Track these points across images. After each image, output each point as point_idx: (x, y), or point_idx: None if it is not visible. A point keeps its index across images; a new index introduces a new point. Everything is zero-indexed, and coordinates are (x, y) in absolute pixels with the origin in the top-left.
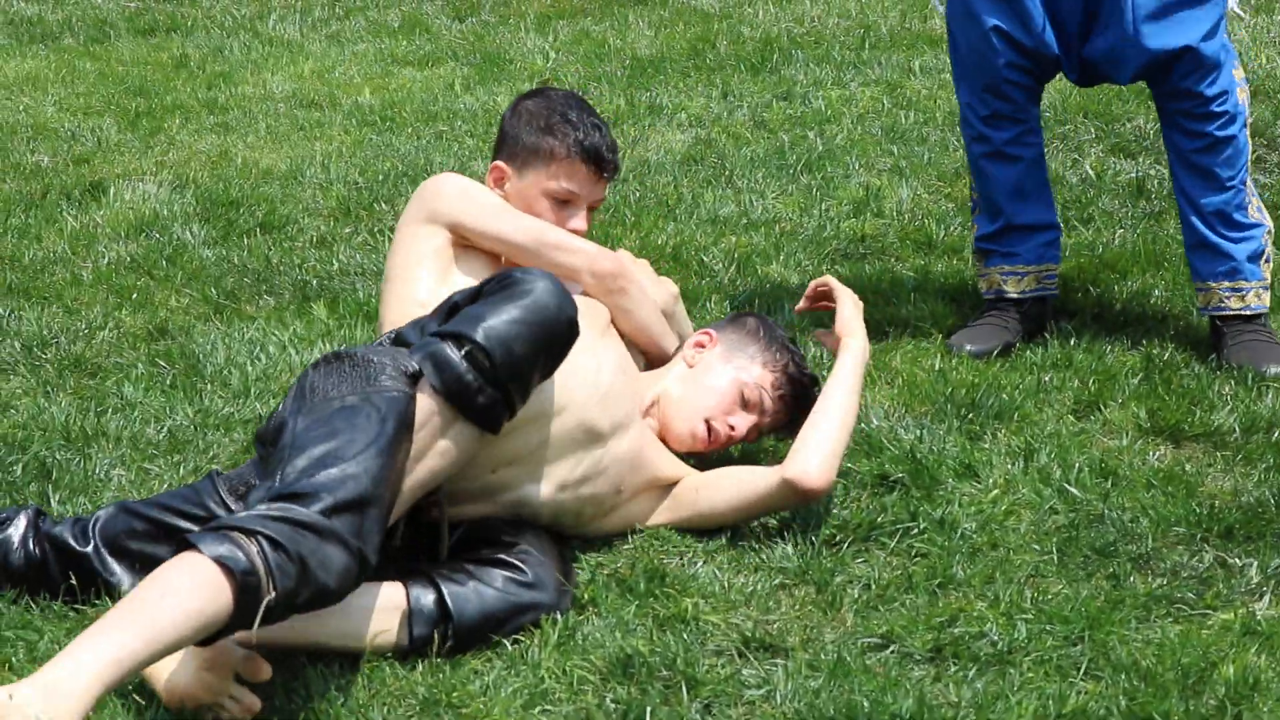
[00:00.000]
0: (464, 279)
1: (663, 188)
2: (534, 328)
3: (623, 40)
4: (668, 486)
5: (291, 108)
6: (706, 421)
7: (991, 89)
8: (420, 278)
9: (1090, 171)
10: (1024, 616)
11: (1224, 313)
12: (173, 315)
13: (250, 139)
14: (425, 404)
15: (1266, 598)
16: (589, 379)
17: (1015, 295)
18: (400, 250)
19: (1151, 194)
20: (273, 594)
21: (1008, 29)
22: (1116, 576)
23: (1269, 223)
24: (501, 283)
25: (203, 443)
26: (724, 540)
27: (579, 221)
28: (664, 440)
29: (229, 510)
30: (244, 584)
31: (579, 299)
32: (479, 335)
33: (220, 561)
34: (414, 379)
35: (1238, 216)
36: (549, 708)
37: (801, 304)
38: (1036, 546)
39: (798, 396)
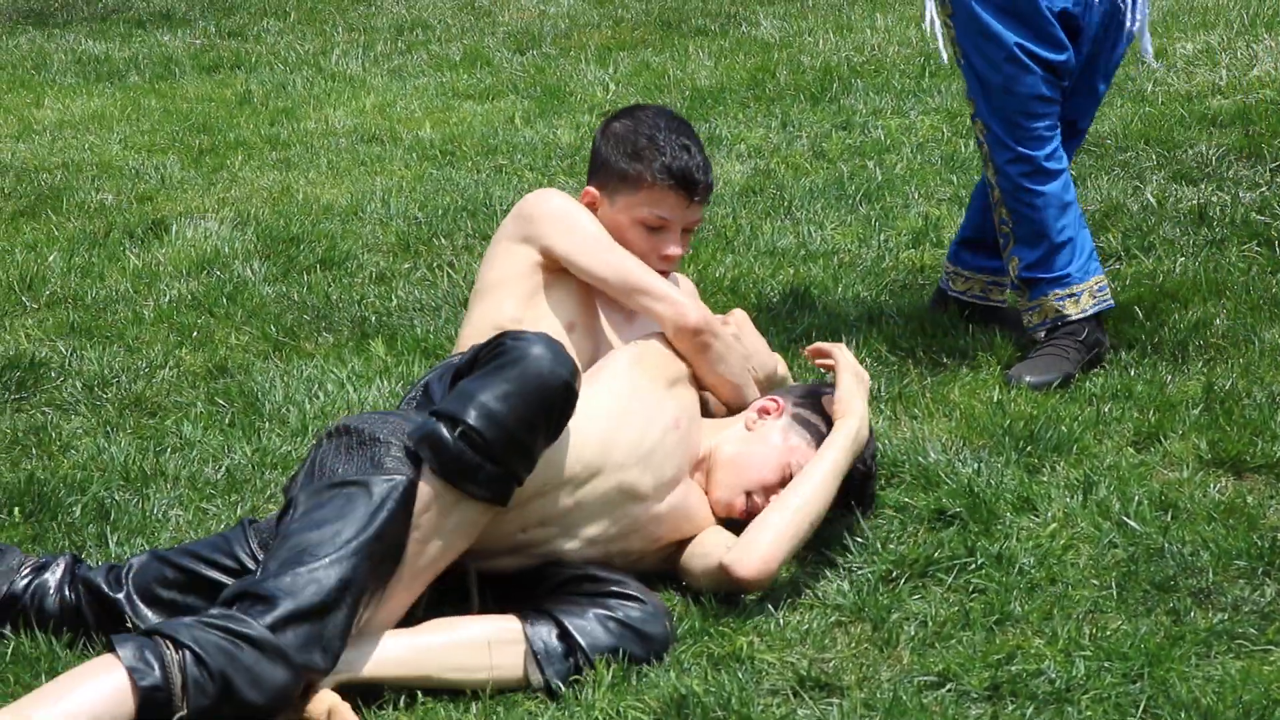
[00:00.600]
0: (550, 303)
1: (721, 219)
2: (527, 399)
3: (683, 71)
4: (691, 536)
5: (353, 143)
6: (748, 494)
7: (1025, 109)
8: (505, 298)
9: (1151, 199)
10: (1082, 653)
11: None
12: (232, 353)
13: (311, 174)
14: (428, 485)
15: None
16: (633, 439)
17: (1078, 316)
18: (492, 266)
19: (1213, 221)
20: (184, 710)
21: (1033, 46)
22: (1177, 611)
23: None
24: (494, 351)
25: (260, 482)
26: (779, 577)
27: (674, 246)
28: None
29: (257, 562)
30: (148, 699)
31: (650, 345)
32: (470, 415)
33: (131, 671)
34: (416, 457)
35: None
36: None
37: (808, 350)
38: (1095, 581)
39: (848, 491)
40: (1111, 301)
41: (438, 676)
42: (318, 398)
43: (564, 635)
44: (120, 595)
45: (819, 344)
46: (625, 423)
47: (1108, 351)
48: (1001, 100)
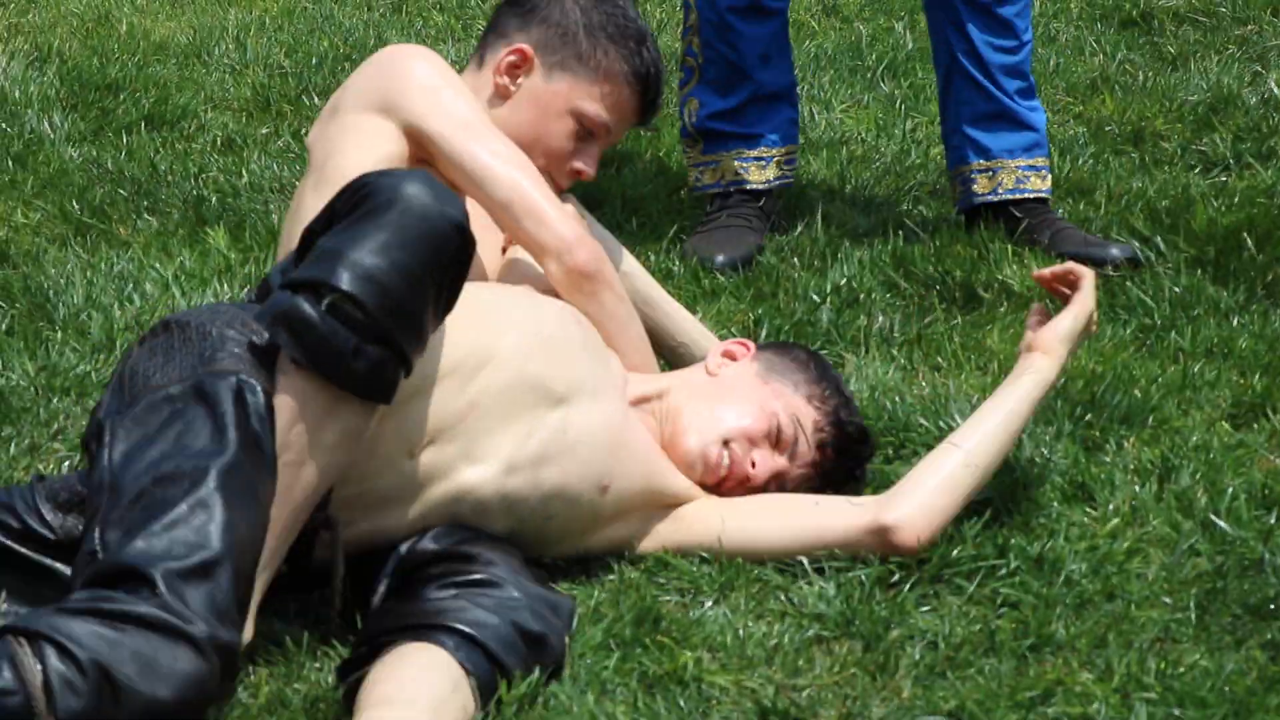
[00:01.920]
0: None
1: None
2: (412, 248)
3: None
4: (672, 507)
5: None
6: (726, 443)
7: None
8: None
9: (1275, 89)
10: (1145, 695)
11: (1025, 195)
12: (17, 236)
13: None
14: (291, 385)
15: None
16: (524, 320)
17: (760, 186)
18: (335, 141)
19: None
20: (50, 718)
21: None
22: (1276, 646)
23: None
24: (357, 196)
25: (45, 411)
26: (745, 573)
27: (589, 161)
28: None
29: (44, 522)
30: None
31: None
32: (341, 279)
33: None
34: (266, 352)
35: (1031, 80)
36: None
37: (1043, 272)
38: (1168, 600)
39: (841, 452)
40: (792, 179)
41: None
42: (132, 301)
43: (485, 651)
44: None
45: (1070, 264)
46: (513, 302)
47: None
48: None
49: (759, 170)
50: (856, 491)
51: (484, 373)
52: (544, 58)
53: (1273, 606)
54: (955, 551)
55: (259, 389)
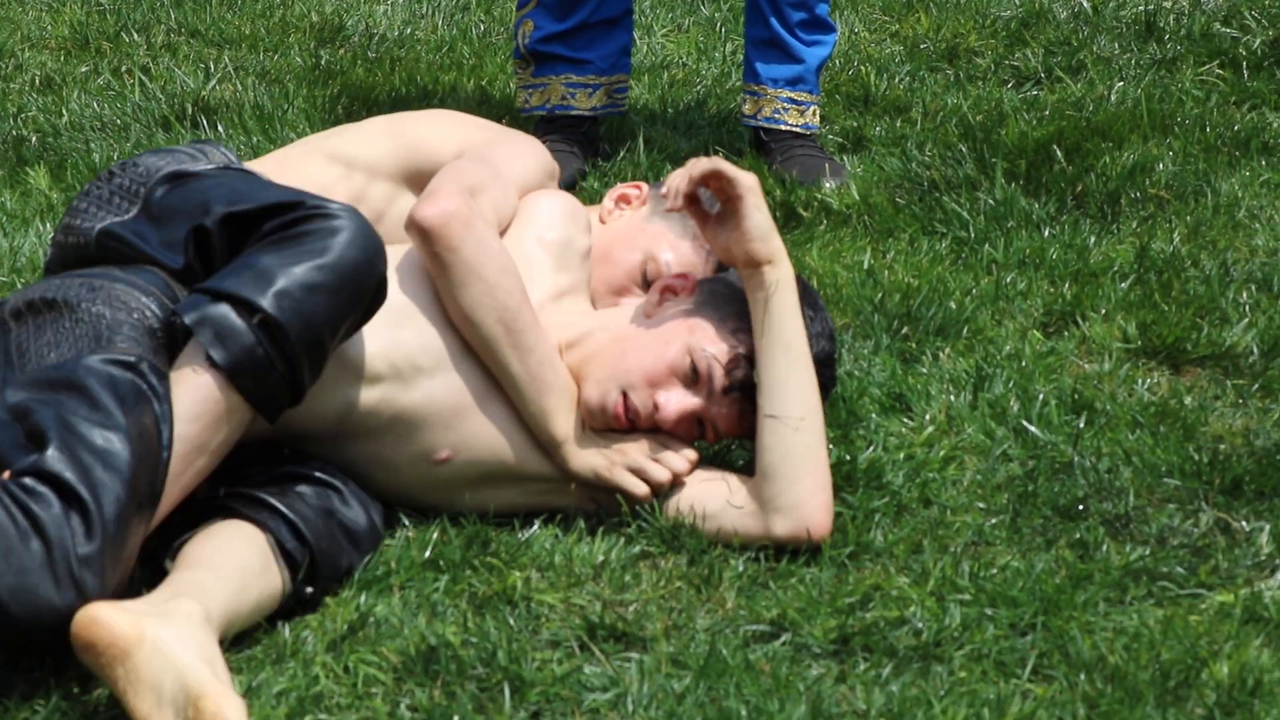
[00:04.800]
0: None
1: (513, 15)
2: (337, 295)
3: None
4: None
5: None
6: (624, 392)
7: None
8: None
9: (1085, 3)
10: (959, 597)
11: (778, 126)
12: None
13: None
14: (202, 382)
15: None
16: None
17: (586, 112)
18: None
19: (1164, 34)
20: None
21: None
22: (1085, 545)
23: (837, 28)
24: (294, 220)
25: None
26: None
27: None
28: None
29: None
30: None
31: None
32: (268, 303)
33: None
34: (163, 344)
35: (819, 11)
36: (324, 717)
37: (675, 201)
38: (982, 505)
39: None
40: (623, 108)
41: (240, 625)
42: None
43: (297, 533)
44: None
45: (699, 161)
46: None
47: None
48: None
49: (585, 96)
50: None
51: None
52: (655, 205)
53: (1081, 508)
54: None
55: (156, 385)
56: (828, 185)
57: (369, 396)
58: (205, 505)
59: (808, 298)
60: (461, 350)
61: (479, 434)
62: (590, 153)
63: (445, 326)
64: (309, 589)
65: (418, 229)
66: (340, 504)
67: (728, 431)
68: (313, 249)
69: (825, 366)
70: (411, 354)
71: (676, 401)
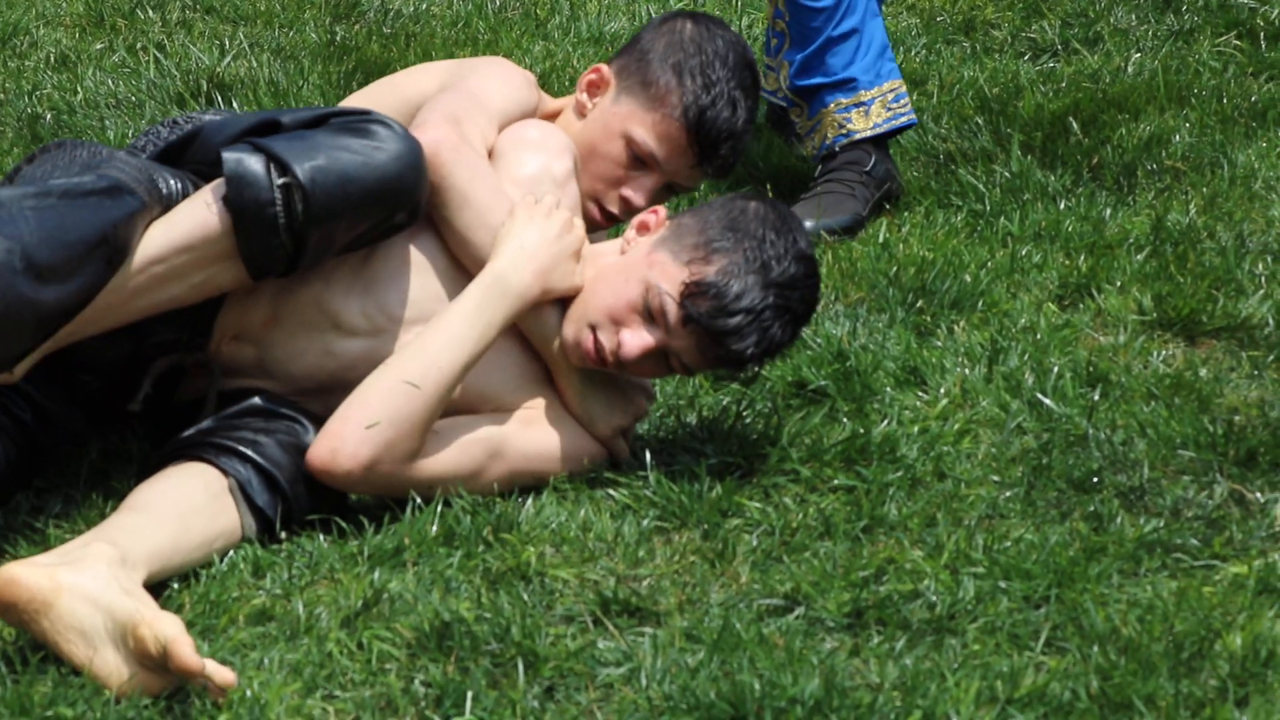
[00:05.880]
0: None
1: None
2: (367, 192)
3: None
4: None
5: None
6: (592, 328)
7: None
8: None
9: None
10: (973, 570)
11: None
12: None
13: None
14: (203, 215)
15: None
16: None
17: (869, 133)
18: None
19: (1183, 6)
20: None
21: None
22: (1099, 517)
23: None
24: (360, 117)
25: None
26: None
27: (639, 192)
28: None
29: None
30: None
31: None
32: (302, 171)
33: None
34: (159, 194)
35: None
36: (338, 693)
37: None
38: (996, 478)
39: (712, 330)
40: (913, 117)
41: (181, 563)
42: None
43: (262, 472)
44: None
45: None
46: None
47: (901, 190)
48: None
49: (862, 116)
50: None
51: (286, 288)
52: (619, 81)
53: (1095, 480)
54: (791, 440)
55: (141, 203)
56: (808, 224)
57: (352, 348)
58: (178, 452)
59: (779, 221)
60: (441, 299)
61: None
62: (884, 192)
63: (424, 279)
64: (283, 533)
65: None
66: (308, 437)
67: (693, 363)
68: (367, 146)
69: (790, 289)
70: (390, 308)
71: (635, 340)
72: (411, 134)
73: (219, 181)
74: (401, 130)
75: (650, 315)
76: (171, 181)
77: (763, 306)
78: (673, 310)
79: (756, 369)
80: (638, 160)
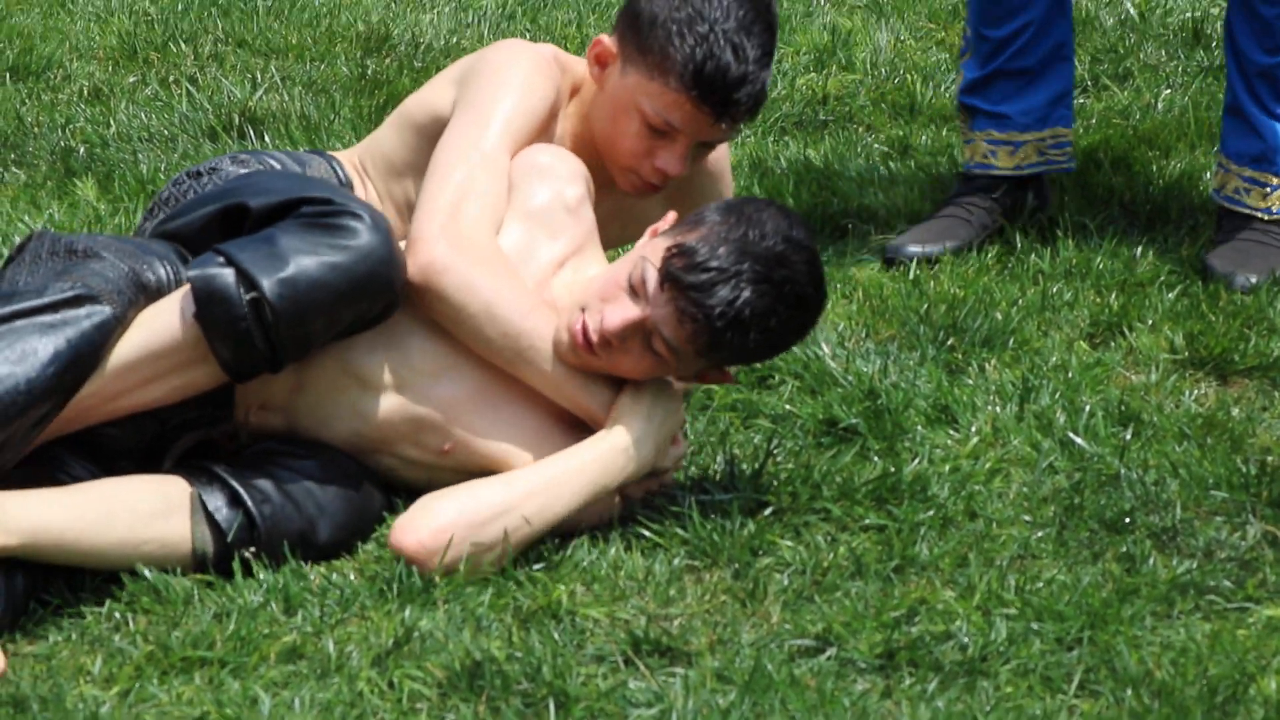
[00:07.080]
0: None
1: (561, 27)
2: (342, 295)
3: None
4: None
5: None
6: (583, 310)
7: None
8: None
9: (1132, 10)
10: (1005, 612)
11: (1237, 208)
12: None
13: None
14: (180, 323)
15: None
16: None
17: (1009, 173)
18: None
19: (1213, 42)
20: None
21: None
22: (1131, 558)
23: None
24: (324, 213)
25: None
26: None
27: (671, 160)
28: None
29: None
30: None
31: None
32: (269, 286)
33: None
34: (142, 289)
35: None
36: None
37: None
38: (1028, 518)
39: (682, 284)
40: (1070, 164)
41: (90, 549)
42: (0, 255)
43: (235, 500)
44: None
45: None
46: None
47: (1046, 207)
48: None
49: (1008, 155)
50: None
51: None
52: (621, 50)
53: (1128, 520)
54: (821, 478)
55: (110, 314)
56: (1238, 282)
57: (380, 406)
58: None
59: (779, 212)
60: (461, 350)
61: (484, 428)
62: (994, 223)
63: (440, 328)
64: (250, 549)
65: (413, 273)
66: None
67: (674, 337)
68: (335, 246)
69: (773, 264)
70: (413, 360)
71: (617, 312)
72: (384, 225)
73: (188, 291)
74: (371, 221)
75: (634, 290)
76: (160, 269)
77: (735, 269)
78: (653, 277)
79: (740, 347)
80: (658, 130)
